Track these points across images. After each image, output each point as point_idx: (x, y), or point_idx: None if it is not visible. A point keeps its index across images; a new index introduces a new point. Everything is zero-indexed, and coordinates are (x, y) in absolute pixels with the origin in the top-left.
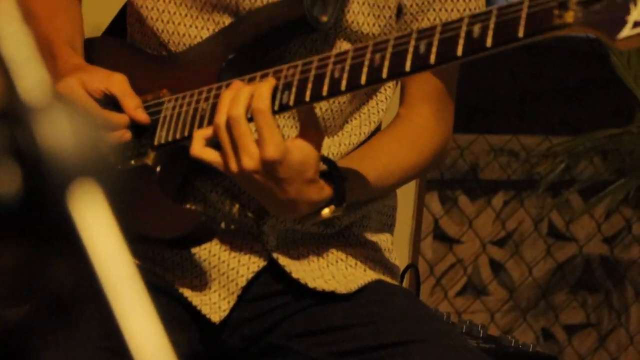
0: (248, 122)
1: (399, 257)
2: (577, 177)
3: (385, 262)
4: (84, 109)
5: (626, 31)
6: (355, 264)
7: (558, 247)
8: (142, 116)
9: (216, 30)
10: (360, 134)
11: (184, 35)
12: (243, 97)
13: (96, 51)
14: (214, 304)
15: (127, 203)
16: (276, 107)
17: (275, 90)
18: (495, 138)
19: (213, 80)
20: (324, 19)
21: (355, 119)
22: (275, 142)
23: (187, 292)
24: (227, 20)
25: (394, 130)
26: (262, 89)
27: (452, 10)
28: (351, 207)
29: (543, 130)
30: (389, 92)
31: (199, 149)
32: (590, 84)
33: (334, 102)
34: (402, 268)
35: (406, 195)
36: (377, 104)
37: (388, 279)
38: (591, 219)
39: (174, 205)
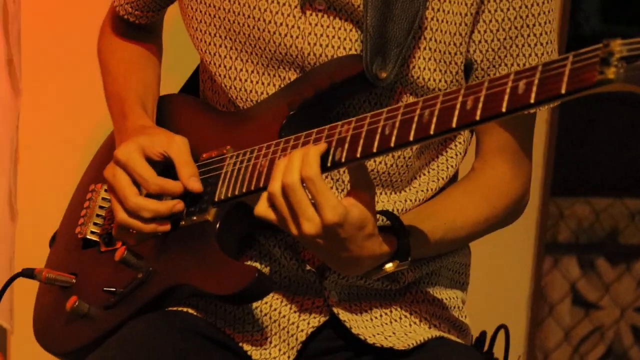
0: (303, 189)
1: (516, 321)
2: None
3: (453, 320)
4: (139, 176)
5: None
6: (420, 320)
7: None
8: (195, 185)
9: (282, 85)
10: (427, 190)
11: (250, 91)
12: (296, 164)
13: (170, 108)
14: (274, 358)
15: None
16: (329, 164)
17: (328, 148)
18: (634, 202)
19: (274, 137)
20: (383, 75)
21: (424, 174)
22: (331, 206)
23: (247, 346)
24: (292, 76)
25: (465, 184)
26: (310, 156)
27: (524, 65)
28: (418, 262)
29: None
30: (459, 148)
31: (264, 209)
32: None
33: (399, 157)
34: (521, 330)
35: (523, 258)
36: (447, 160)
37: (453, 337)
38: None
39: (230, 261)
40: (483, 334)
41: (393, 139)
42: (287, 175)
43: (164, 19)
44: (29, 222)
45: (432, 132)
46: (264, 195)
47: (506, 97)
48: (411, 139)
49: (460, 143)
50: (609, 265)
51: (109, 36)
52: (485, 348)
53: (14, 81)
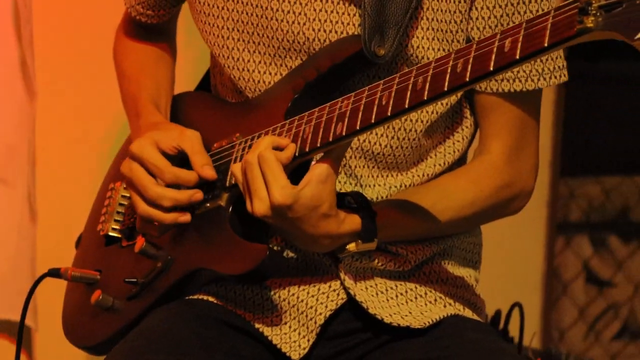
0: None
1: (530, 300)
2: None
3: (467, 298)
4: (154, 166)
5: None
6: (435, 300)
7: None
8: (209, 172)
9: None
10: (434, 173)
11: (258, 81)
12: (259, 144)
13: (182, 105)
14: (294, 342)
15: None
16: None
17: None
18: None
19: (281, 120)
20: (381, 52)
21: (430, 157)
22: (280, 186)
23: (267, 331)
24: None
25: (457, 170)
26: (274, 141)
27: None
28: (391, 239)
29: None
30: (466, 132)
31: (237, 170)
32: None
33: (404, 138)
34: (535, 309)
35: (536, 238)
36: (453, 144)
37: (468, 315)
38: None
39: (243, 242)
40: (498, 312)
41: (389, 108)
42: (250, 152)
43: (177, 21)
44: (48, 222)
45: (425, 98)
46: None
47: (493, 57)
48: (406, 106)
49: (467, 127)
50: (621, 242)
51: (122, 39)
52: (501, 326)
53: (28, 83)
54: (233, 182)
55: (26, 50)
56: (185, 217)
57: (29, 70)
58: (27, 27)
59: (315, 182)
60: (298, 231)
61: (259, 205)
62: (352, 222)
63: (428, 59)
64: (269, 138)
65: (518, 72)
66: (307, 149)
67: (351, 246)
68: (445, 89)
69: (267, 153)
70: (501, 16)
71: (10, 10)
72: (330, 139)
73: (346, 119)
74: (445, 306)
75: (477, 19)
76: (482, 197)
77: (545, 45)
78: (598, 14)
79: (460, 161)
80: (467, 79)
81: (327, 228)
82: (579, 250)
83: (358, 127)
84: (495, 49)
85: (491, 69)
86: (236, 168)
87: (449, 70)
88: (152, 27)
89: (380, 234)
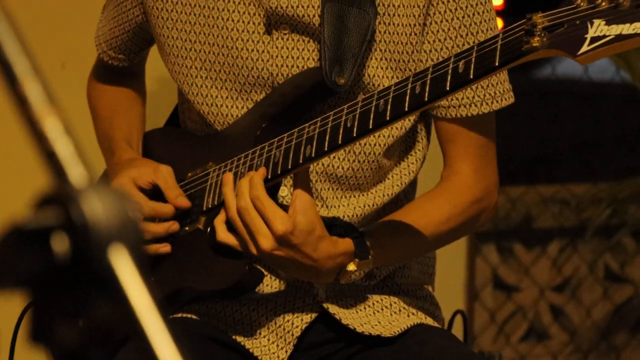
0: (255, 209)
1: (455, 304)
2: (628, 221)
3: (427, 308)
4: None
5: (584, 47)
6: (400, 310)
7: (615, 290)
8: (183, 202)
9: None
10: (392, 194)
11: (227, 115)
12: (245, 188)
13: (153, 141)
14: (273, 353)
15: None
16: (278, 171)
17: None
18: (546, 188)
19: (251, 147)
20: (342, 81)
21: (388, 178)
22: (280, 217)
23: (248, 344)
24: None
25: (431, 191)
26: (255, 179)
27: None
28: (385, 261)
29: (593, 178)
30: (419, 154)
31: (224, 234)
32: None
33: (364, 161)
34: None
35: (459, 246)
36: (408, 165)
37: (430, 323)
38: None
39: (222, 260)
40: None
41: (355, 129)
42: (239, 199)
43: (145, 63)
44: None
45: (388, 118)
46: (219, 221)
47: (449, 77)
48: (371, 127)
49: (419, 150)
50: (525, 249)
51: (95, 83)
52: None
53: None
54: (209, 206)
55: None
56: (166, 249)
57: None
58: None
59: (301, 209)
60: (302, 257)
61: (265, 241)
62: (345, 242)
63: (383, 86)
64: (245, 180)
65: (473, 97)
66: (279, 172)
67: (350, 266)
68: (406, 109)
69: (256, 192)
70: (452, 47)
71: None
72: (301, 161)
73: (314, 142)
74: (409, 316)
75: (430, 51)
76: (456, 213)
77: (497, 64)
78: (542, 34)
79: (414, 182)
80: (426, 99)
81: (326, 249)
82: (488, 258)
83: (326, 149)
84: (450, 71)
85: (447, 89)
86: (223, 234)
87: (408, 92)
88: (122, 70)
89: (373, 251)
